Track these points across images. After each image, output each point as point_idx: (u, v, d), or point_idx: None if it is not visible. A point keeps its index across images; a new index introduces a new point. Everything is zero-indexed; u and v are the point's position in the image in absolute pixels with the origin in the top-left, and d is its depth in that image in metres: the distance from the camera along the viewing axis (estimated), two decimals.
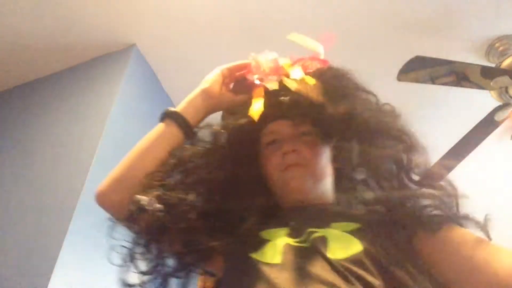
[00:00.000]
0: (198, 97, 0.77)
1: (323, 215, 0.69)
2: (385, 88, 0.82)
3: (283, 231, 0.66)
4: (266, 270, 0.59)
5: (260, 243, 0.65)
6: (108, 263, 0.69)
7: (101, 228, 0.67)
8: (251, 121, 0.73)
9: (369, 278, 0.54)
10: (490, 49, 1.85)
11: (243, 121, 0.75)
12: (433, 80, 1.71)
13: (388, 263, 0.57)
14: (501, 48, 1.83)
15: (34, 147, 1.65)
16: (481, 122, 1.89)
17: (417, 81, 1.70)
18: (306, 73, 0.79)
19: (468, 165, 1.96)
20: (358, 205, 0.74)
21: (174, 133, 0.74)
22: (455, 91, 1.81)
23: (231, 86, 0.83)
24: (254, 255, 0.63)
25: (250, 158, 0.78)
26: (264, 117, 0.74)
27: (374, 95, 0.77)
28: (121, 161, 0.73)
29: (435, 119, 2.15)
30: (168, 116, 0.75)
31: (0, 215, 1.43)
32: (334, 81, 0.78)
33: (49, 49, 1.88)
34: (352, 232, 0.62)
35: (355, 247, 0.59)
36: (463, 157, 1.98)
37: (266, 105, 0.74)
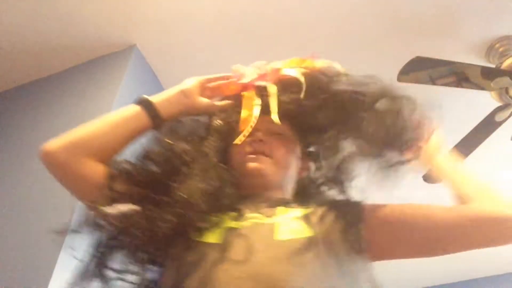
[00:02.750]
0: (175, 95, 0.80)
1: (274, 202, 0.71)
2: None
3: (230, 215, 0.68)
4: (206, 250, 0.62)
5: (205, 227, 0.66)
6: None
7: None
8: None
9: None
10: (490, 49, 1.84)
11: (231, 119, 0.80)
12: (433, 81, 1.71)
13: (329, 247, 0.60)
14: (501, 49, 1.82)
15: (35, 147, 1.64)
16: (481, 123, 1.88)
17: (417, 82, 1.69)
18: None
19: (468, 166, 1.96)
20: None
21: (143, 119, 0.76)
22: (455, 92, 1.81)
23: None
24: (196, 237, 0.64)
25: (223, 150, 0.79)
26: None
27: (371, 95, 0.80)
28: (83, 126, 0.76)
29: (435, 120, 2.14)
30: (142, 102, 0.78)
31: (0, 215, 1.43)
32: (320, 85, 0.81)
33: (49, 49, 1.87)
34: (301, 217, 0.65)
35: (303, 231, 0.62)
36: (464, 158, 1.98)
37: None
